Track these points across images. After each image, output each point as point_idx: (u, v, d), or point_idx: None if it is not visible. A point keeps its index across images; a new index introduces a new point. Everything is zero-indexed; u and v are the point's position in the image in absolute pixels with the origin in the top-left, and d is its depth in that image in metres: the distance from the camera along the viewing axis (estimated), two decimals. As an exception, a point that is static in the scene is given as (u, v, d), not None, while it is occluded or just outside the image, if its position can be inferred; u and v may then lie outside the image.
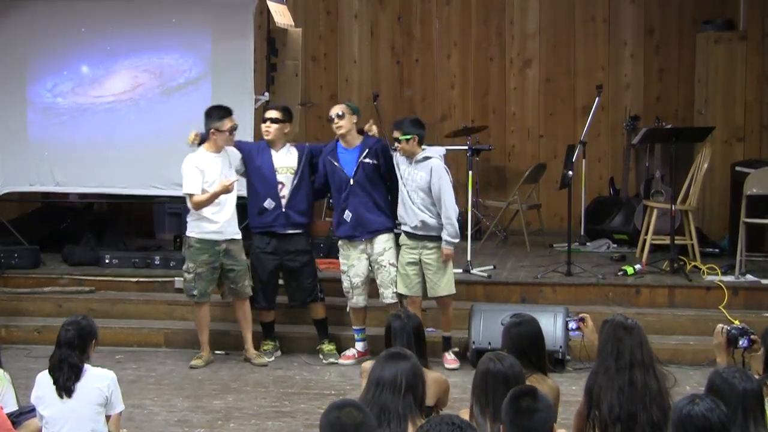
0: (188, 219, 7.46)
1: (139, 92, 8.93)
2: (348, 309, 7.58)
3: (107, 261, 8.92)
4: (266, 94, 9.05)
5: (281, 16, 9.45)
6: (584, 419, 4.42)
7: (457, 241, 7.32)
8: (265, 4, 9.22)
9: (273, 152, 7.55)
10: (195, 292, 7.41)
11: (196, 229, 7.38)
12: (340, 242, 7.54)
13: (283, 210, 7.50)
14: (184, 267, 7.49)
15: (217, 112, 7.39)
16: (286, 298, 7.76)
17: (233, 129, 7.41)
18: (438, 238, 7.28)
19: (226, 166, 7.44)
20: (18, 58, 9.00)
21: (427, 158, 7.26)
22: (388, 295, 7.36)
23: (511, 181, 10.95)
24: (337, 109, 7.45)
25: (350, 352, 7.58)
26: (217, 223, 7.34)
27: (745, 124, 9.71)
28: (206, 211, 7.31)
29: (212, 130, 7.35)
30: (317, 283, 7.66)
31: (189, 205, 7.38)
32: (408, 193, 7.26)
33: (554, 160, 10.69)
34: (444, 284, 7.33)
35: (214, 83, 8.75)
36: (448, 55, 11.32)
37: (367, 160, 7.34)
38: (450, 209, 7.20)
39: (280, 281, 7.71)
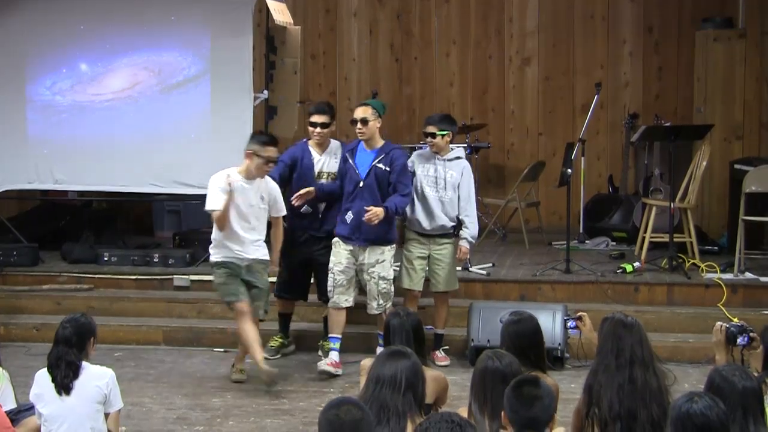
0: (210, 248, 7.00)
1: (138, 90, 8.92)
2: (326, 313, 7.30)
3: (106, 259, 8.91)
4: (265, 91, 9.04)
5: (280, 14, 9.43)
6: (583, 417, 4.42)
7: (475, 241, 7.42)
8: (264, 2, 9.20)
9: (316, 156, 7.37)
10: (231, 290, 6.84)
11: (218, 254, 6.93)
12: (334, 240, 7.25)
13: (320, 215, 7.40)
14: (213, 285, 7.10)
15: (261, 137, 6.93)
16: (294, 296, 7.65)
17: (270, 160, 6.80)
18: (448, 235, 7.36)
19: (257, 197, 6.89)
20: (17, 56, 9.00)
21: (458, 158, 7.36)
22: (373, 306, 7.18)
23: (510, 179, 10.96)
24: (361, 114, 7.14)
25: (334, 357, 7.12)
26: (238, 250, 6.89)
27: (743, 122, 9.72)
28: (227, 242, 6.86)
29: (250, 152, 6.77)
30: None
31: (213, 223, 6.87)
32: (429, 194, 7.24)
33: (553, 157, 10.70)
34: (450, 279, 7.40)
35: (213, 81, 8.74)
36: (447, 53, 11.32)
37: (380, 165, 7.12)
38: (474, 210, 7.42)
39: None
